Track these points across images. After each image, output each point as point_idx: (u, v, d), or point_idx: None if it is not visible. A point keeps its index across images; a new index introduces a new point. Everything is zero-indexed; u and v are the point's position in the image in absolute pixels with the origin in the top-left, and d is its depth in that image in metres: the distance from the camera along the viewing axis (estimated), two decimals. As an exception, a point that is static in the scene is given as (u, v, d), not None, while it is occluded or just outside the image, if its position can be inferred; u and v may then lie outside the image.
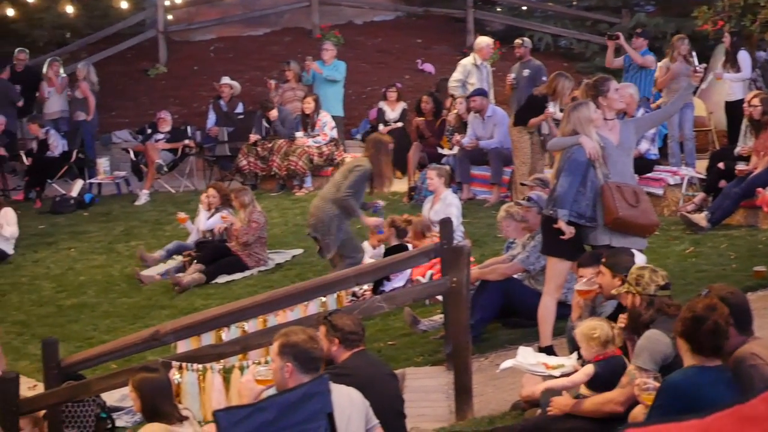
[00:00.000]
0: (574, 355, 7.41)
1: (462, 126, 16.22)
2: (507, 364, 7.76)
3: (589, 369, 7.01)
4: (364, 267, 10.00)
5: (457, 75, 16.96)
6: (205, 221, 13.82)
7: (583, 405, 6.89)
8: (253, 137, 17.17)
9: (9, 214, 14.94)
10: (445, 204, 12.72)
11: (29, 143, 18.93)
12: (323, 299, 8.51)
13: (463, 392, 8.49)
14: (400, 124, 17.94)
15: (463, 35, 22.91)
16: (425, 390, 9.07)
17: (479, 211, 14.85)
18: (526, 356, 7.66)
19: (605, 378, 6.95)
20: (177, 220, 14.15)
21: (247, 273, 13.29)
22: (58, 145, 17.98)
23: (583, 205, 8.66)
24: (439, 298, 9.95)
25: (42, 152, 18.00)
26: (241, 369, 7.54)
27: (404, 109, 18.21)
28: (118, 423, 9.38)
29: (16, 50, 19.88)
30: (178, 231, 14.30)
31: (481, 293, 9.96)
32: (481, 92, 15.83)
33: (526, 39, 16.41)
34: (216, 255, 13.42)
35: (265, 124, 17.31)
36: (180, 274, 13.09)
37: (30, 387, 9.71)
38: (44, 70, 19.30)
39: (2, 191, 17.88)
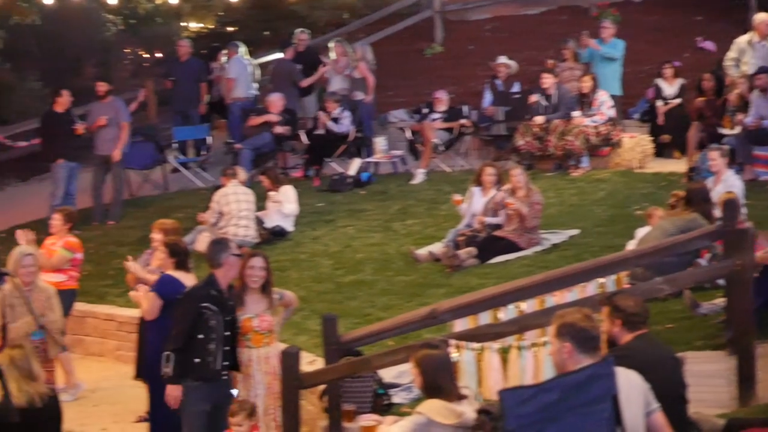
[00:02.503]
0: None
1: (744, 105, 15.70)
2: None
3: None
4: (644, 249, 9.78)
5: (731, 53, 16.49)
6: (481, 204, 13.71)
7: None
8: (538, 119, 16.89)
9: (289, 192, 15.29)
10: (726, 185, 12.34)
11: (308, 122, 19.38)
12: (601, 281, 8.35)
13: (746, 378, 8.25)
14: (678, 101, 17.51)
15: (744, 12, 22.12)
16: (705, 375, 8.84)
17: (761, 193, 14.35)
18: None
19: None
20: (453, 202, 14.14)
21: (521, 253, 13.19)
22: (348, 126, 18.27)
23: None
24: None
25: (329, 130, 18.35)
26: (519, 349, 7.50)
27: (682, 85, 17.74)
28: (395, 399, 9.48)
29: (297, 31, 20.39)
30: (453, 210, 14.31)
31: (764, 277, 9.61)
32: (766, 70, 15.28)
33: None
34: (489, 243, 13.33)
35: (543, 101, 17.09)
36: (456, 252, 13.10)
37: (309, 362, 9.89)
38: (327, 49, 19.72)
39: (282, 169, 18.34)
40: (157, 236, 10.69)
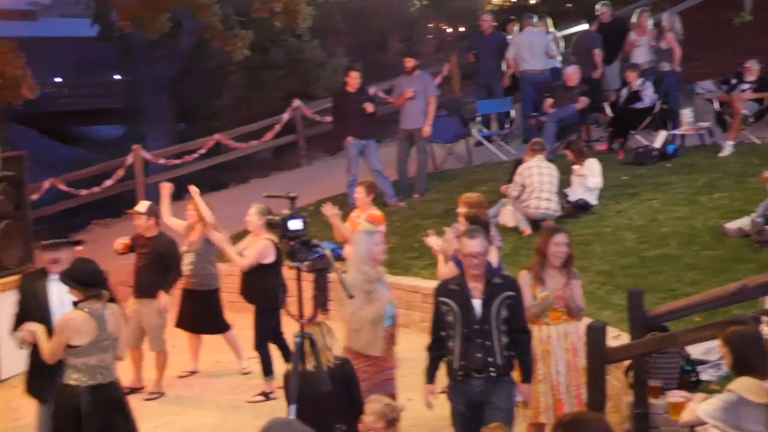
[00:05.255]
0: None
1: None
2: None
3: None
4: None
5: None
6: None
7: None
8: None
9: (593, 165, 15.14)
10: None
11: (612, 94, 19.14)
12: None
13: None
14: None
15: None
16: None
17: None
18: None
19: None
20: (761, 179, 13.65)
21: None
22: (650, 97, 17.96)
23: None
24: None
25: (630, 102, 18.08)
26: None
27: None
28: (703, 376, 9.27)
29: (599, 4, 20.16)
30: (763, 184, 13.82)
31: None
32: None
33: None
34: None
35: None
36: (766, 227, 12.67)
37: (614, 336, 9.79)
38: (633, 20, 19.42)
39: (586, 142, 18.17)
40: (462, 210, 10.69)
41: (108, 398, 8.59)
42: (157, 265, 12.04)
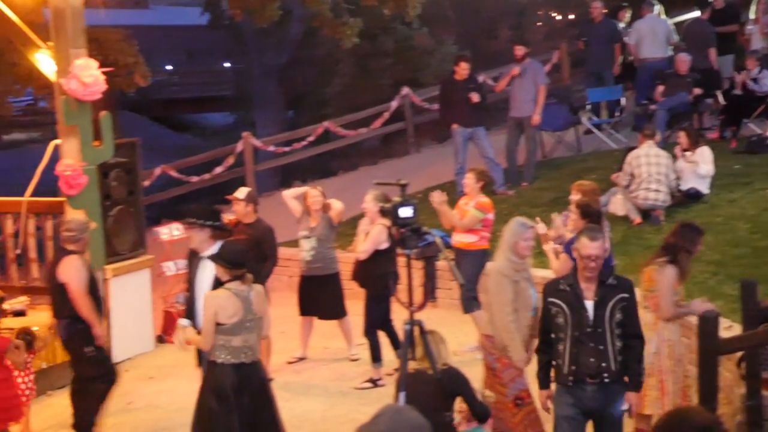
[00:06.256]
0: None
1: None
2: None
3: None
4: None
5: None
6: None
7: None
8: None
9: (705, 152, 14.92)
10: None
11: (725, 82, 18.86)
12: None
13: None
14: None
15: None
16: None
17: None
18: None
19: None
20: None
21: None
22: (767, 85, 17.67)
23: None
24: None
25: (746, 89, 17.78)
26: None
27: None
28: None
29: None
30: None
31: None
32: None
33: None
34: None
35: None
36: None
37: (725, 327, 9.64)
38: (752, 7, 19.09)
39: (699, 130, 17.92)
40: (575, 197, 10.54)
41: (252, 378, 8.82)
42: (254, 251, 12.08)
